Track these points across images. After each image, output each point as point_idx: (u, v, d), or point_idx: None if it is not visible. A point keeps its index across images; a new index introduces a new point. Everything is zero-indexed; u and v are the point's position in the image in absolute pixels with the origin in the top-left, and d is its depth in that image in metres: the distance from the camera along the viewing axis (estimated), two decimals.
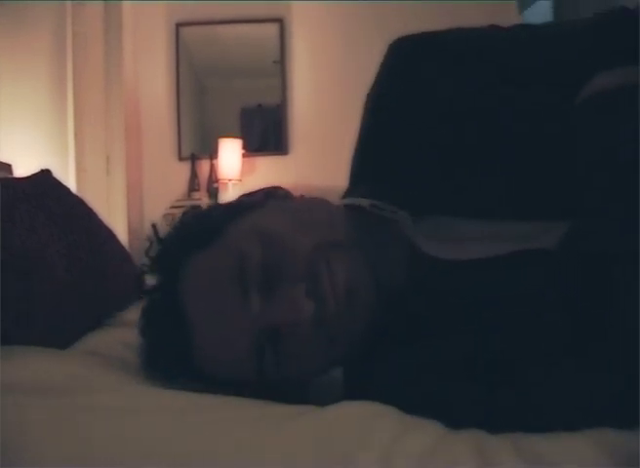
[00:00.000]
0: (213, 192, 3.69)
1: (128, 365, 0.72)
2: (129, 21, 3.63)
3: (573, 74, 0.67)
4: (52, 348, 0.78)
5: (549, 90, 0.70)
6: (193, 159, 3.75)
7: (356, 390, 0.64)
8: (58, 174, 1.08)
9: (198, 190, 3.71)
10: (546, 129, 0.68)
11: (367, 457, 0.45)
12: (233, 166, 3.65)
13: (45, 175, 1.04)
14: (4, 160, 2.17)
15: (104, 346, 0.85)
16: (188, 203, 3.60)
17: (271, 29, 3.85)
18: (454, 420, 0.53)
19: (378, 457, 0.45)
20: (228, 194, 3.64)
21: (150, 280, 0.68)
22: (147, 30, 3.84)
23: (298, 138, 3.84)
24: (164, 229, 0.70)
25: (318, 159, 3.69)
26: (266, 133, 3.94)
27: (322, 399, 0.58)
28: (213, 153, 3.70)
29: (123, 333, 0.89)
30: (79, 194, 1.12)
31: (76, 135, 2.98)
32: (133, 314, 1.00)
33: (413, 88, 0.74)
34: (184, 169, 3.77)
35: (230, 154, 3.65)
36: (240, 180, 3.69)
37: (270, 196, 0.73)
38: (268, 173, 3.80)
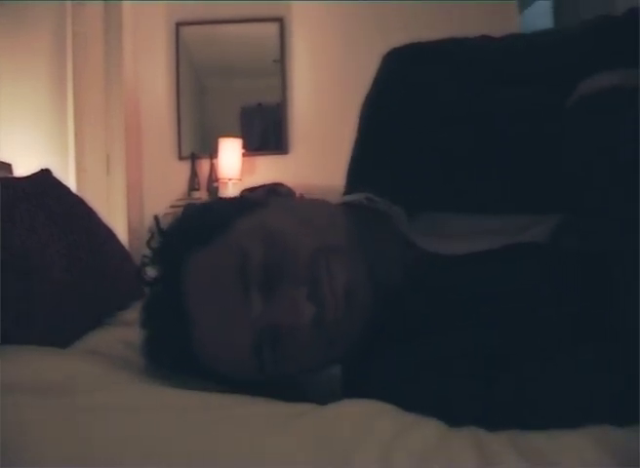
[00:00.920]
0: (213, 192, 3.69)
1: (128, 364, 0.72)
2: (129, 21, 3.63)
3: (569, 76, 0.68)
4: (52, 347, 0.79)
5: (544, 91, 0.71)
6: (193, 158, 3.75)
7: (355, 388, 0.64)
8: (58, 173, 1.08)
9: (198, 190, 3.71)
10: (538, 127, 0.69)
11: (367, 456, 0.45)
12: (233, 165, 3.65)
13: (45, 174, 1.04)
14: (4, 160, 2.17)
15: (105, 345, 0.85)
16: (188, 202, 3.60)
17: (271, 29, 3.85)
18: (453, 417, 0.53)
19: (377, 456, 0.45)
20: (228, 194, 3.64)
21: (151, 271, 0.68)
22: (147, 30, 3.84)
23: (298, 138, 3.85)
24: (166, 225, 0.70)
25: (318, 159, 3.69)
26: (266, 132, 3.94)
27: (321, 397, 0.58)
28: (213, 153, 3.71)
29: (123, 333, 0.89)
30: (79, 194, 1.12)
31: (76, 135, 2.98)
32: (133, 313, 1.00)
33: (408, 91, 0.76)
34: (184, 168, 3.78)
35: (230, 154, 3.65)
36: (240, 180, 3.70)
37: (273, 193, 0.73)
38: (268, 172, 3.80)
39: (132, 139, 3.58)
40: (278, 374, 0.62)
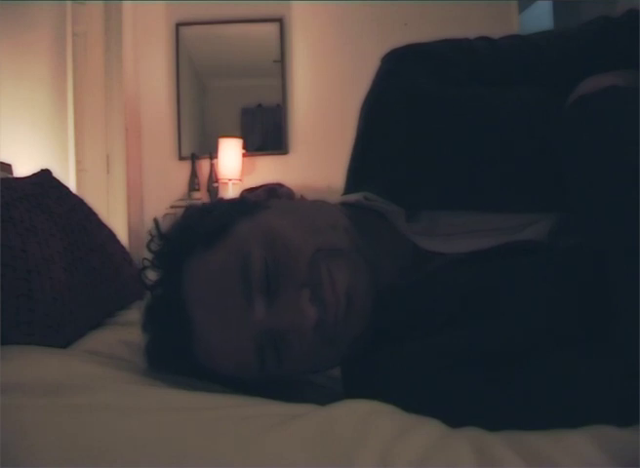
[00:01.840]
0: (213, 192, 3.69)
1: (128, 365, 0.72)
2: (129, 21, 3.63)
3: (568, 77, 0.68)
4: (52, 348, 0.79)
5: (543, 91, 0.71)
6: (193, 159, 3.75)
7: (355, 388, 0.64)
8: (58, 173, 1.08)
9: (198, 190, 3.71)
10: (536, 126, 0.69)
11: (367, 456, 0.45)
12: (233, 165, 3.65)
13: (45, 174, 1.04)
14: (4, 160, 2.17)
15: (105, 346, 0.85)
16: (188, 203, 3.60)
17: (271, 29, 3.85)
18: (453, 417, 0.53)
19: (378, 456, 0.45)
20: (228, 194, 3.64)
21: (152, 275, 0.68)
22: (147, 30, 3.84)
23: (298, 138, 3.85)
24: (166, 227, 0.70)
25: (318, 159, 3.69)
26: (266, 132, 3.94)
27: (321, 397, 0.58)
28: (213, 153, 3.71)
29: (124, 333, 0.89)
30: (79, 194, 1.12)
31: (76, 135, 2.98)
32: (133, 314, 1.00)
33: (405, 93, 0.76)
34: (184, 168, 3.78)
35: (230, 154, 3.65)
36: (240, 180, 3.70)
37: (273, 194, 0.73)
38: (268, 172, 3.80)
39: (132, 139, 3.58)
40: (280, 376, 0.62)
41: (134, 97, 3.71)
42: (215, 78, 4.04)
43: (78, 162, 3.03)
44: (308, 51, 3.88)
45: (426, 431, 0.50)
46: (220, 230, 0.64)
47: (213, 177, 3.71)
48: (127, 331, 0.87)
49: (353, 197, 0.74)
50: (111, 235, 1.13)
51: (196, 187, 3.71)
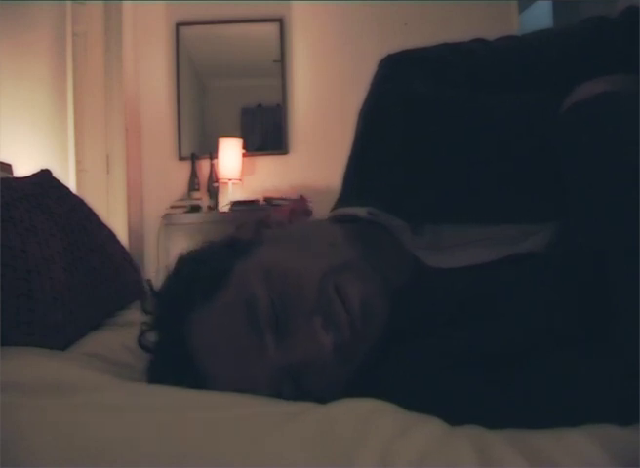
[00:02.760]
0: (213, 192, 3.69)
1: (128, 366, 0.72)
2: (129, 21, 3.63)
3: (565, 78, 0.68)
4: (52, 349, 0.79)
5: (540, 94, 0.71)
6: (193, 159, 3.75)
7: (356, 387, 0.64)
8: (58, 173, 1.08)
9: (198, 190, 3.71)
10: (533, 133, 0.69)
11: (367, 456, 0.45)
12: (233, 166, 3.65)
13: (45, 174, 1.04)
14: (4, 160, 2.17)
15: (104, 347, 0.85)
16: (188, 203, 3.61)
17: (271, 29, 3.85)
18: (454, 417, 0.53)
19: (378, 456, 0.45)
20: (228, 194, 3.64)
21: (152, 336, 0.65)
22: (147, 30, 3.84)
23: (298, 138, 3.85)
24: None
25: (318, 159, 3.69)
26: (266, 132, 3.94)
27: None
28: (213, 153, 3.71)
29: (123, 335, 0.89)
30: (79, 194, 1.12)
31: (76, 135, 2.98)
32: (133, 314, 1.00)
33: (402, 100, 0.76)
34: (184, 168, 3.78)
35: (230, 154, 3.65)
36: (240, 180, 3.70)
37: (262, 226, 0.72)
38: (268, 172, 3.80)
39: (132, 139, 3.58)
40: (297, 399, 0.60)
41: (134, 98, 3.71)
42: (215, 78, 4.04)
43: (78, 162, 3.03)
44: (308, 51, 3.88)
45: (427, 430, 0.50)
46: (217, 280, 0.62)
47: (213, 177, 3.70)
48: (126, 333, 0.87)
49: (355, 210, 0.73)
50: (111, 235, 1.13)
51: (196, 187, 3.71)
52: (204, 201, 3.68)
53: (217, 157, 3.68)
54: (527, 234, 0.65)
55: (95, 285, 0.97)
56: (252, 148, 3.81)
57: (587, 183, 0.59)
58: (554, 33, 0.83)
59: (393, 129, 0.75)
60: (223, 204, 3.64)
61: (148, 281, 0.70)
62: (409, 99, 0.75)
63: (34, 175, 1.04)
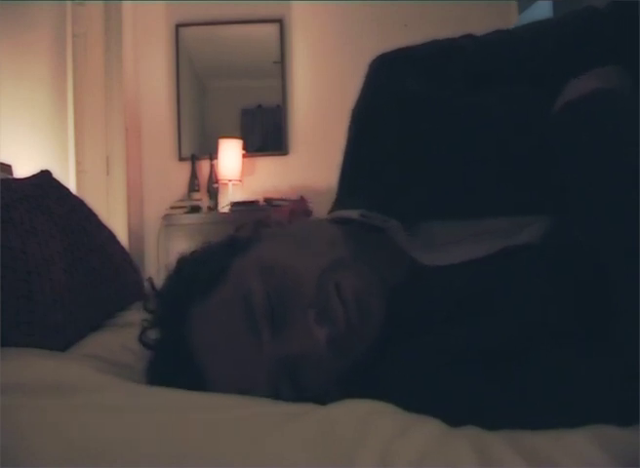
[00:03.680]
0: (213, 193, 3.69)
1: (128, 367, 0.72)
2: (129, 21, 3.63)
3: (553, 70, 0.69)
4: (52, 350, 0.79)
5: (529, 88, 0.72)
6: (193, 159, 3.75)
7: (355, 388, 0.64)
8: (58, 174, 1.08)
9: (198, 191, 3.71)
10: (525, 126, 0.69)
11: (367, 456, 0.45)
12: (233, 166, 3.65)
13: (45, 175, 1.04)
14: (4, 160, 2.17)
15: (104, 348, 0.85)
16: (188, 203, 3.61)
17: (271, 29, 3.85)
18: (453, 417, 0.53)
19: (378, 456, 0.45)
20: (228, 194, 3.64)
21: (153, 334, 0.66)
22: (147, 30, 3.84)
23: (298, 138, 3.85)
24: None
25: (318, 160, 3.69)
26: (266, 133, 3.94)
27: (321, 397, 0.58)
28: (213, 153, 3.71)
29: (123, 336, 0.89)
30: (79, 195, 1.12)
31: (76, 135, 2.98)
32: (133, 315, 1.00)
33: (394, 100, 0.76)
34: (184, 169, 3.78)
35: (230, 154, 3.65)
36: (240, 181, 3.70)
37: (262, 225, 0.73)
38: (268, 173, 3.80)
39: (132, 140, 3.58)
40: (295, 398, 0.61)
41: (134, 98, 3.71)
42: (215, 79, 4.04)
43: (78, 163, 3.03)
44: (308, 51, 3.88)
45: (426, 431, 0.50)
46: (217, 277, 0.63)
47: (213, 178, 3.70)
48: (126, 333, 0.87)
49: (349, 213, 0.74)
50: (111, 236, 1.13)
51: (196, 188, 3.71)
52: (204, 202, 3.68)
53: (217, 158, 3.68)
54: (522, 226, 0.65)
55: (95, 286, 0.97)
56: (252, 149, 3.81)
57: (586, 183, 0.59)
58: (547, 25, 0.83)
59: (387, 128, 0.75)
60: (223, 204, 3.64)
61: (150, 279, 0.70)
62: (402, 98, 0.75)
63: (34, 176, 1.04)
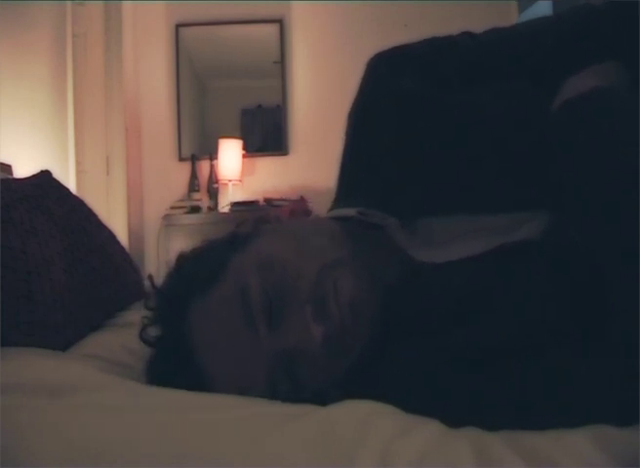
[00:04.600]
0: (213, 193, 3.69)
1: (128, 367, 0.72)
2: (129, 22, 3.63)
3: (550, 66, 0.69)
4: (52, 350, 0.79)
5: (527, 84, 0.72)
6: (193, 159, 3.75)
7: (354, 386, 0.64)
8: (58, 174, 1.08)
9: (198, 191, 3.71)
10: (523, 123, 0.70)
11: (367, 457, 0.45)
12: (233, 166, 3.65)
13: (45, 175, 1.04)
14: (4, 160, 2.17)
15: (104, 348, 0.85)
16: (188, 203, 3.61)
17: (271, 29, 3.85)
18: (453, 418, 0.53)
19: (378, 457, 0.45)
20: (228, 195, 3.64)
21: (153, 331, 0.67)
22: (147, 30, 3.84)
23: (298, 138, 3.85)
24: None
25: (318, 160, 3.69)
26: (266, 133, 3.94)
27: (321, 397, 0.58)
28: (213, 154, 3.71)
29: (123, 336, 0.89)
30: (79, 195, 1.12)
31: (76, 135, 2.98)
32: (133, 315, 1.00)
33: (391, 98, 0.77)
34: (184, 169, 3.78)
35: (230, 154, 3.65)
36: (240, 181, 3.70)
37: (262, 222, 0.73)
38: (268, 173, 3.80)
39: (132, 140, 3.58)
40: (293, 397, 0.61)
41: (134, 98, 3.71)
42: (215, 79, 4.04)
43: (78, 163, 3.03)
44: (308, 51, 3.88)
45: (426, 431, 0.50)
46: (216, 272, 0.63)
47: (213, 178, 3.71)
48: (126, 334, 0.87)
49: (346, 212, 0.74)
50: (111, 236, 1.13)
51: (196, 188, 3.71)
52: (204, 202, 3.68)
53: (217, 158, 3.68)
54: (521, 222, 0.66)
55: (95, 286, 0.97)
56: (252, 149, 3.81)
57: (583, 182, 0.59)
58: (546, 22, 0.83)
59: (384, 125, 0.76)
60: (223, 205, 3.64)
61: (150, 277, 0.70)
62: (399, 96, 0.76)
63: (34, 176, 1.03)
